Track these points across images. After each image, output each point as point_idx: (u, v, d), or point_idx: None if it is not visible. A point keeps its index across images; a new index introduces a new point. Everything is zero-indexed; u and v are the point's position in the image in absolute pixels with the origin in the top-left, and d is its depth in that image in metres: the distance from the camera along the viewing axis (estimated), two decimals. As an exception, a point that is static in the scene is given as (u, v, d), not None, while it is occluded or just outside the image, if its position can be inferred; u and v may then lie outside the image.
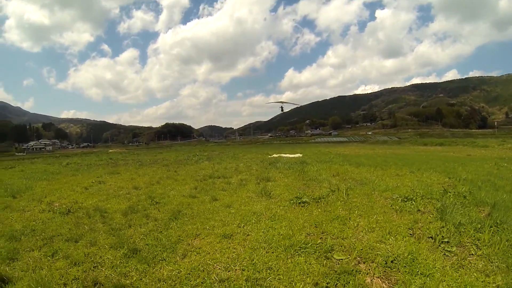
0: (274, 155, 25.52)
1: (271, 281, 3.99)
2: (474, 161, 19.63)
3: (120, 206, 8.35)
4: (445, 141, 64.43)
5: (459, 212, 6.27)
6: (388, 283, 3.90)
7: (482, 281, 3.84)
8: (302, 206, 7.40)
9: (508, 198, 7.80)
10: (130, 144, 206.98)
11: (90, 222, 6.78)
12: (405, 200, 7.50)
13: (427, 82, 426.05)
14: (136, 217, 7.10)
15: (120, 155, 40.56)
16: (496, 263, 4.27)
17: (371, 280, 3.95)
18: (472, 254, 4.58)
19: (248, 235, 5.64)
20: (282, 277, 4.06)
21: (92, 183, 12.68)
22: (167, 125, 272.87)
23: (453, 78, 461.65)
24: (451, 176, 11.65)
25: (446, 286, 3.72)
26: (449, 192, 8.22)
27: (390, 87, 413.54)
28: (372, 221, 6.02)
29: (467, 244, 4.92)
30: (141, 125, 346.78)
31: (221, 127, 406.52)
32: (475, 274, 4.00)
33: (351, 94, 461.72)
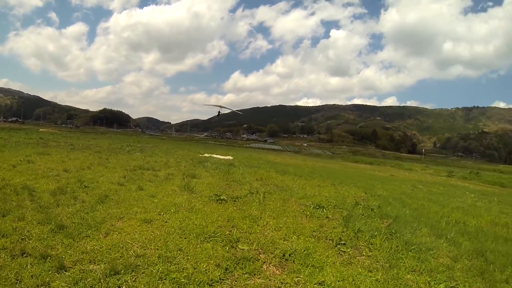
0: (206, 155, 26.08)
1: (180, 259, 4.47)
2: (394, 181, 21.34)
3: (49, 186, 8.30)
4: (375, 160, 68.50)
5: (362, 221, 7.01)
6: (282, 270, 4.43)
7: (364, 275, 4.47)
8: (219, 203, 7.86)
9: (410, 213, 8.84)
10: (63, 125, 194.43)
11: (18, 199, 6.79)
12: (317, 207, 8.16)
13: (368, 104, 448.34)
14: (64, 198, 7.19)
15: (51, 136, 38.25)
16: (381, 263, 4.96)
17: (266, 267, 4.47)
18: (363, 255, 5.24)
19: (166, 222, 6.07)
20: (190, 258, 4.54)
21: (21, 162, 12.20)
22: (104, 110, 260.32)
23: (392, 105, 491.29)
24: (368, 191, 12.71)
25: (331, 276, 4.29)
26: (360, 205, 9.09)
27: (332, 103, 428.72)
28: (280, 222, 6.58)
29: (361, 247, 5.60)
30: (77, 107, 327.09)
31: (159, 120, 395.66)
32: (360, 270, 4.63)
33: (293, 105, 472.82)
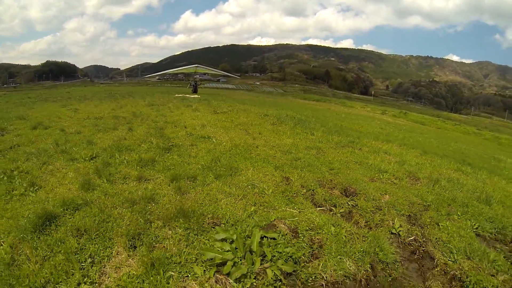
0: (179, 95, 32.11)
1: (208, 127, 12.63)
2: (324, 111, 30.79)
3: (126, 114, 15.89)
4: (321, 98, 77.57)
5: (287, 120, 15.53)
6: (247, 132, 12.82)
7: (283, 135, 12.74)
8: (216, 114, 15.88)
9: (315, 120, 17.34)
10: (4, 85, 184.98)
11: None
12: (265, 115, 16.49)
13: (323, 45, 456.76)
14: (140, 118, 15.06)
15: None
16: (289, 132, 13.21)
17: (247, 128, 12.89)
18: (285, 128, 13.66)
19: (198, 118, 14.07)
20: (210, 128, 12.71)
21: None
22: (48, 63, 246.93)
23: (348, 47, 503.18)
24: (299, 113, 21.19)
25: (267, 134, 12.77)
26: (288, 116, 17.54)
27: (286, 43, 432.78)
28: (249, 117, 14.94)
29: (284, 126, 13.95)
30: (17, 63, 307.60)
31: (107, 67, 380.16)
32: (282, 134, 12.83)
33: (246, 44, 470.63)
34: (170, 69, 65.67)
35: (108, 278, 3.25)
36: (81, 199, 4.80)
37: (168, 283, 3.20)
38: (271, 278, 3.39)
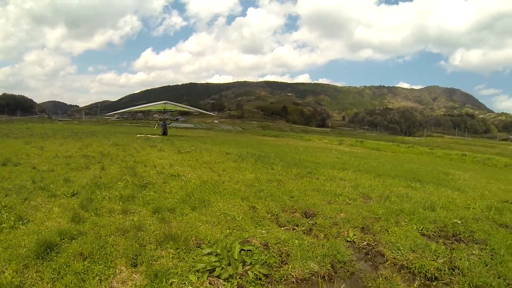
0: (141, 135, 33.78)
1: (176, 166, 13.28)
2: (283, 146, 31.98)
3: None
4: (280, 133, 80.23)
5: (248, 157, 16.43)
6: (212, 170, 13.60)
7: (245, 171, 13.56)
8: (180, 153, 16.65)
9: (275, 155, 18.35)
10: None
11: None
12: (227, 154, 17.44)
13: (280, 81, 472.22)
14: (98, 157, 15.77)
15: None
16: (251, 168, 14.24)
17: (212, 166, 13.66)
18: (247, 165, 14.53)
19: (164, 158, 14.73)
20: (177, 166, 13.41)
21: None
22: (5, 96, 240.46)
23: (304, 81, 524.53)
24: (258, 150, 22.14)
25: (231, 171, 13.57)
26: (249, 153, 18.48)
27: (243, 80, 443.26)
28: (211, 156, 15.84)
29: (246, 163, 14.82)
30: None
31: (66, 104, 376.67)
32: (244, 170, 13.80)
33: (204, 82, 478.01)
34: (130, 107, 59.74)
35: None
36: (75, 229, 5.26)
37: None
38: (252, 277, 4.21)
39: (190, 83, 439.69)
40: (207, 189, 8.71)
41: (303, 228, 6.16)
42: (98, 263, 4.29)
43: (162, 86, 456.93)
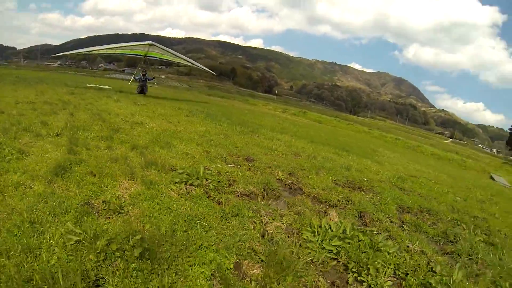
0: (92, 84, 32.33)
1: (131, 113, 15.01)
2: (230, 107, 34.12)
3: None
4: (226, 95, 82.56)
5: (197, 113, 18.25)
6: (167, 122, 15.33)
7: (196, 124, 15.31)
8: (137, 105, 17.85)
9: (221, 114, 20.23)
10: None
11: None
12: (179, 109, 19.17)
13: (233, 42, 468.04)
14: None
15: None
16: (202, 121, 15.98)
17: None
18: (197, 120, 16.36)
19: (120, 109, 16.04)
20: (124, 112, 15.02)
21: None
22: None
23: (257, 46, 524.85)
24: (206, 108, 23.66)
25: (184, 123, 15.36)
26: (198, 110, 20.33)
27: (195, 37, 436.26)
28: (159, 109, 17.51)
29: (196, 118, 16.66)
30: None
31: (2, 45, 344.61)
32: (193, 123, 15.65)
33: (155, 34, 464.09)
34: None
35: (123, 194, 5.44)
36: (76, 158, 6.61)
37: (161, 190, 5.70)
38: (212, 187, 6.34)
39: (141, 33, 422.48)
40: (168, 135, 10.47)
41: (244, 167, 8.24)
42: (105, 178, 5.85)
43: (111, 33, 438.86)
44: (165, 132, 10.98)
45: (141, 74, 28.59)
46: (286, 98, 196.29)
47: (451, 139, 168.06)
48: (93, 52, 33.24)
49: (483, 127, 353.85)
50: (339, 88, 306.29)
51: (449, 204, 9.41)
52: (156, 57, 34.63)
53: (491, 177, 27.95)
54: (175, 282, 3.46)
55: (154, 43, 30.31)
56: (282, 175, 8.19)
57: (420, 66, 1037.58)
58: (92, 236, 3.78)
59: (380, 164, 14.48)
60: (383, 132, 56.94)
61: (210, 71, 42.53)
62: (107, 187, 5.52)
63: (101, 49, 30.60)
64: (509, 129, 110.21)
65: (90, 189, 5.31)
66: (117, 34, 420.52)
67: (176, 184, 6.08)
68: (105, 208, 4.77)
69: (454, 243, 6.38)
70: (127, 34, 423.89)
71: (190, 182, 6.26)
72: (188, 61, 36.71)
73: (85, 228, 3.90)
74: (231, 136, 12.47)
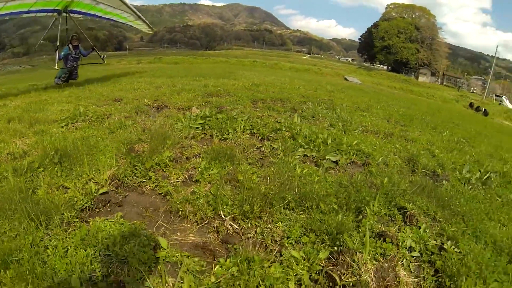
0: None
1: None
2: (88, 72, 33.92)
3: None
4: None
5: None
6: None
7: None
8: None
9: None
10: None
11: None
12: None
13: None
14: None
15: None
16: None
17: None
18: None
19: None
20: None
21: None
22: None
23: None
24: None
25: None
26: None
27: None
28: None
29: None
30: None
31: None
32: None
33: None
34: None
35: (22, 146, 6.53)
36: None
37: (53, 133, 6.89)
38: (94, 119, 7.72)
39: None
40: (40, 104, 11.36)
41: (115, 105, 9.44)
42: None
43: None
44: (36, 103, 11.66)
45: (68, 46, 16.72)
46: (138, 51, 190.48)
47: (309, 55, 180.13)
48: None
49: (337, 40, 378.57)
50: (191, 27, 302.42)
51: (300, 94, 12.10)
52: (83, 11, 19.59)
53: (345, 78, 32.25)
54: (92, 168, 4.76)
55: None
56: (149, 102, 9.73)
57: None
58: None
59: (237, 80, 16.66)
60: (241, 59, 60.06)
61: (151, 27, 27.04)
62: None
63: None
64: (358, 39, 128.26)
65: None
66: None
67: (64, 127, 7.25)
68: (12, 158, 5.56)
69: (301, 112, 8.83)
70: None
71: (75, 121, 7.51)
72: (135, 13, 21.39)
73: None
74: (94, 90, 13.14)
